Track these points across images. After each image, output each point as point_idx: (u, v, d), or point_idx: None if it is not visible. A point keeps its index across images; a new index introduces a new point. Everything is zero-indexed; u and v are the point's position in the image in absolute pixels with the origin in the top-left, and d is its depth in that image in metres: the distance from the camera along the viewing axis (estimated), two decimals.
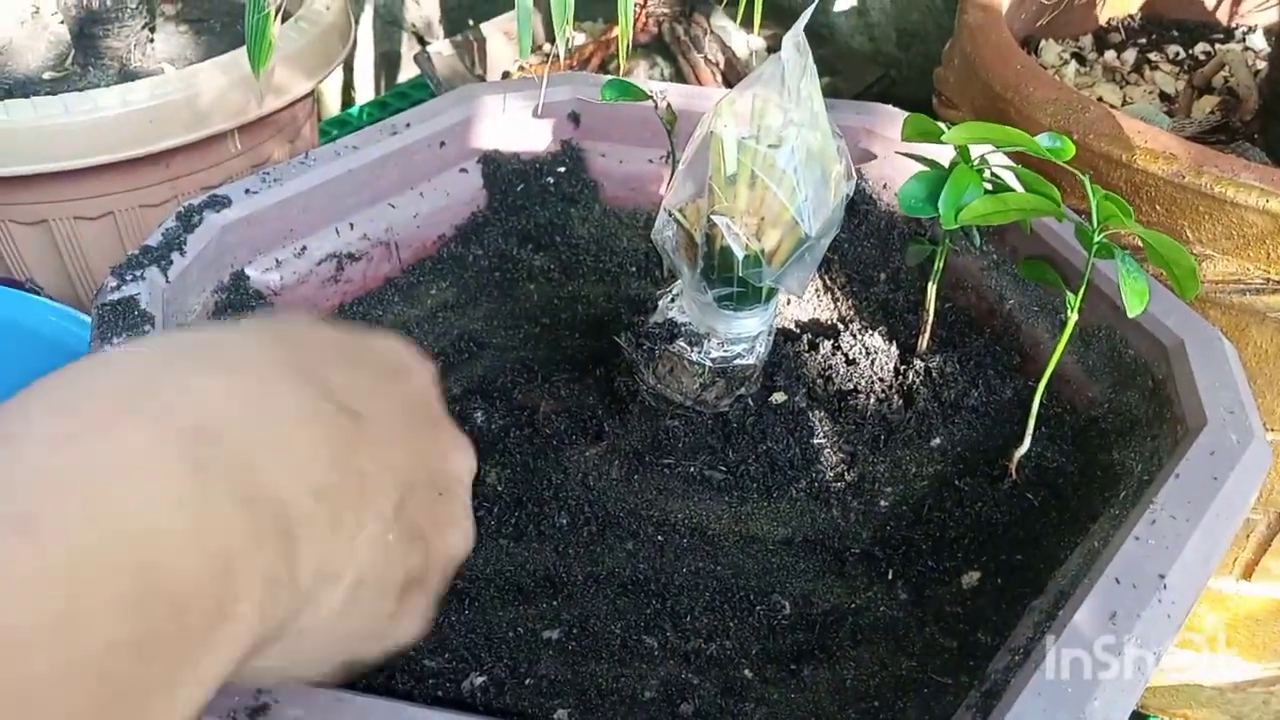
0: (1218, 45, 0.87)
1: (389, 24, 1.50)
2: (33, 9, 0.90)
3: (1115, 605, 0.36)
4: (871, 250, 0.62)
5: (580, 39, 1.14)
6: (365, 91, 1.54)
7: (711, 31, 1.11)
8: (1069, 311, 0.44)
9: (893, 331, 0.57)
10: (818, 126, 0.42)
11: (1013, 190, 0.44)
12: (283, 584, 0.24)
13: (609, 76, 0.54)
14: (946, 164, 0.45)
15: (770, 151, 0.42)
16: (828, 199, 0.44)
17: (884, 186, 0.62)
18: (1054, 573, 0.42)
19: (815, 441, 0.51)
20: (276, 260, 0.56)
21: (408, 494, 0.29)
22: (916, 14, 1.11)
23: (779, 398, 0.52)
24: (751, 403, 0.51)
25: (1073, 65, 0.86)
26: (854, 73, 1.10)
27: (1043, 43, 0.88)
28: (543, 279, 0.63)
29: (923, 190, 0.44)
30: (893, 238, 0.61)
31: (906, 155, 0.50)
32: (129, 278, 0.48)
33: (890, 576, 0.47)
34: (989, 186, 0.44)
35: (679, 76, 1.09)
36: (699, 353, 0.49)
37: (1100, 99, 0.79)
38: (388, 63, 1.53)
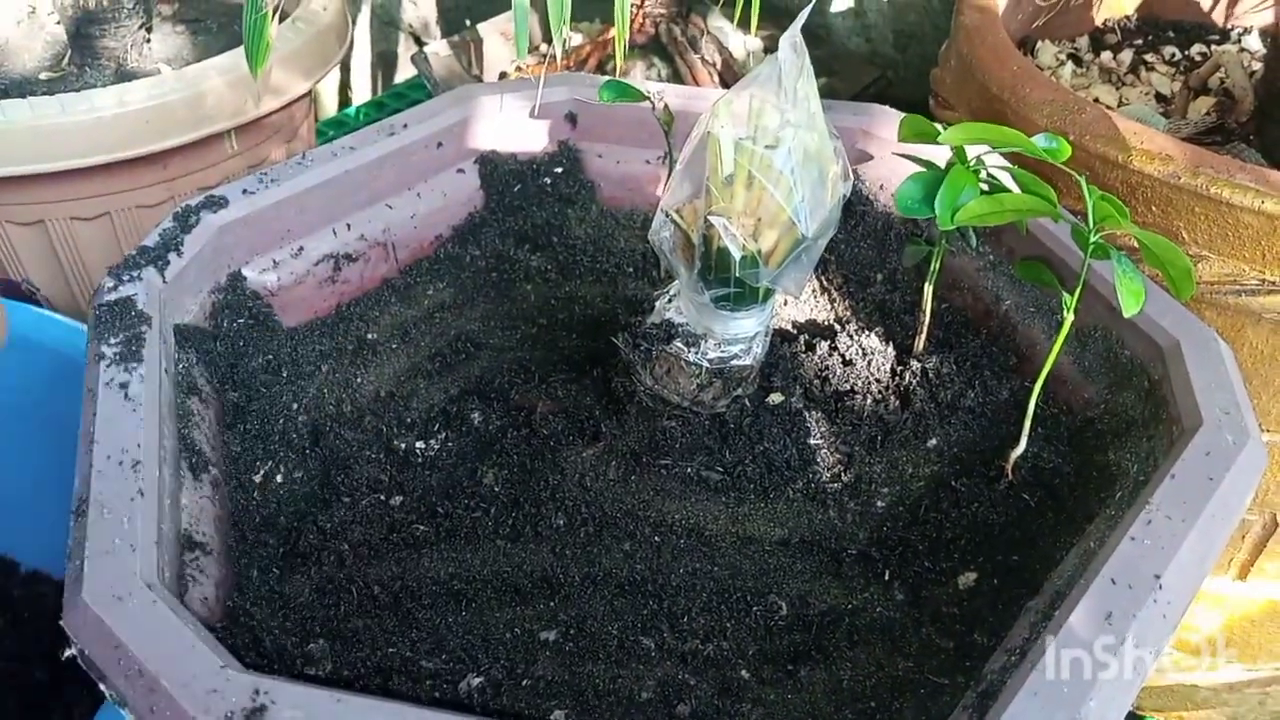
0: (1214, 46, 0.87)
1: (386, 24, 1.50)
2: (29, 9, 0.90)
3: (1111, 606, 0.36)
4: (868, 251, 0.62)
5: (577, 40, 1.15)
6: (362, 92, 1.54)
7: (708, 32, 1.11)
8: (1065, 312, 0.44)
9: (889, 332, 0.57)
10: (814, 127, 0.42)
11: (1009, 191, 0.44)
12: None
13: (606, 77, 0.55)
14: (943, 165, 0.45)
15: (767, 152, 0.42)
16: (824, 200, 0.44)
17: (881, 187, 0.62)
18: (1050, 573, 0.42)
19: (812, 442, 0.51)
20: (274, 261, 0.56)
21: None
22: (913, 15, 1.11)
23: (776, 399, 0.52)
24: (748, 403, 0.51)
25: (1069, 66, 0.86)
26: (851, 74, 1.10)
27: (1039, 44, 0.88)
28: (540, 279, 0.63)
29: (919, 191, 0.44)
30: (889, 238, 0.62)
31: (903, 156, 0.50)
32: (126, 278, 0.48)
33: (887, 577, 0.47)
34: (985, 187, 0.44)
35: (676, 77, 1.09)
36: (696, 353, 0.49)
37: (1096, 100, 0.80)
38: (385, 63, 1.53)
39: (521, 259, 0.63)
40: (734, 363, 0.50)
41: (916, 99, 0.81)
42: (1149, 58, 0.87)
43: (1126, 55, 0.87)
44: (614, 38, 0.69)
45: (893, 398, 0.54)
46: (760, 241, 0.44)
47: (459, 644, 0.43)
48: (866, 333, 0.57)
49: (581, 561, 0.47)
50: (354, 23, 1.16)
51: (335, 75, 1.50)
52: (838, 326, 0.58)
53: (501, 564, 0.47)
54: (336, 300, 0.59)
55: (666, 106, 0.53)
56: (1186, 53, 0.87)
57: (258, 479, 0.49)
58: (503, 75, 1.14)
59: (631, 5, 1.03)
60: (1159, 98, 0.82)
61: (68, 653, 0.35)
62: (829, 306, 0.61)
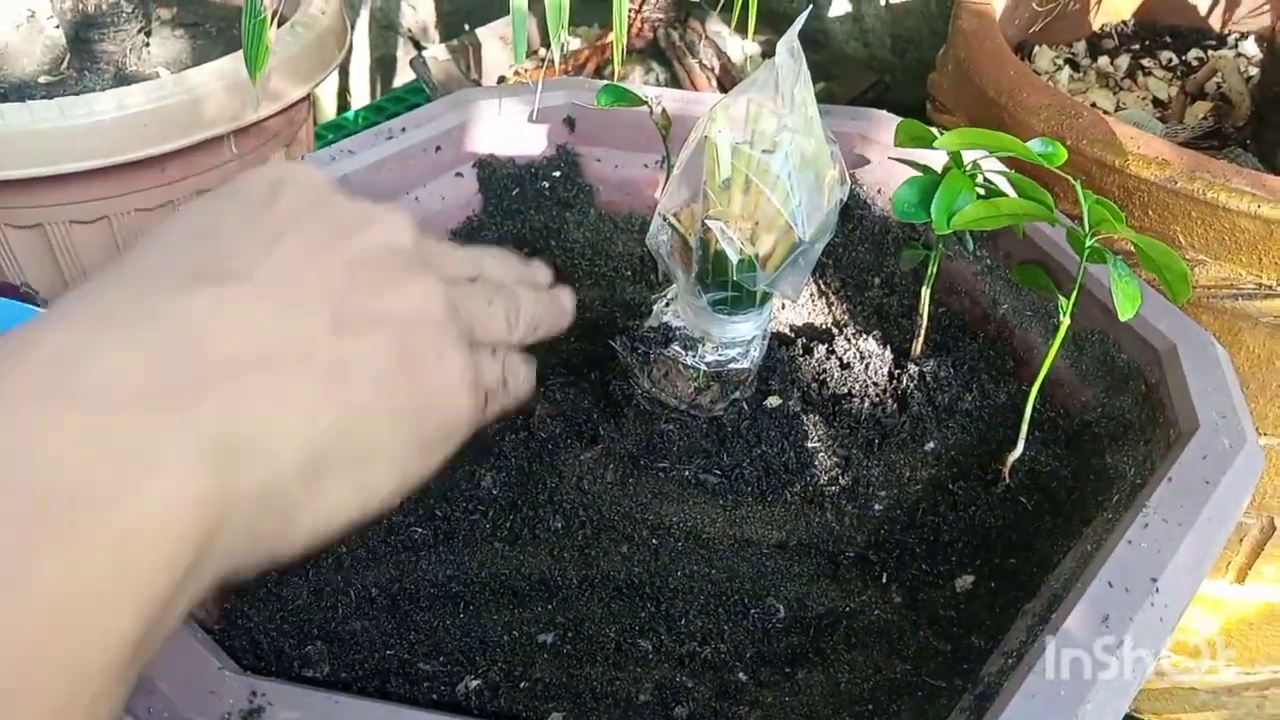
0: (1210, 51, 0.88)
1: (385, 28, 1.50)
2: (28, 13, 0.90)
3: (1108, 609, 0.36)
4: (866, 255, 0.62)
5: (575, 44, 1.15)
6: (361, 96, 1.55)
7: (706, 37, 1.11)
8: (1062, 316, 0.45)
9: (887, 336, 0.57)
10: (812, 132, 0.42)
11: (1005, 195, 0.44)
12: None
13: (604, 81, 0.55)
14: (940, 169, 0.45)
15: (764, 157, 0.42)
16: (822, 204, 0.44)
17: (878, 191, 0.63)
18: (1047, 576, 0.42)
19: (810, 445, 0.51)
20: None
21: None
22: (911, 20, 1.12)
23: (774, 402, 0.52)
24: (746, 407, 0.52)
25: (1066, 71, 0.86)
26: (849, 78, 1.10)
27: (1036, 48, 0.89)
28: None
29: (916, 195, 0.45)
30: (887, 242, 0.62)
31: (900, 161, 0.50)
32: None
33: (884, 580, 0.47)
34: (982, 192, 0.45)
35: (674, 82, 1.09)
36: (694, 357, 0.49)
37: (1093, 105, 0.80)
38: (383, 67, 1.53)
39: None
40: (732, 366, 0.50)
41: (914, 104, 0.81)
42: (1146, 63, 0.87)
43: (1123, 60, 0.87)
44: (612, 42, 0.69)
45: (890, 401, 0.54)
46: (757, 245, 0.44)
47: (456, 646, 0.43)
48: (864, 336, 0.57)
49: (579, 564, 0.47)
50: (353, 27, 1.16)
51: (334, 79, 1.50)
52: (835, 330, 0.58)
53: (499, 566, 0.47)
54: None
55: (664, 111, 0.53)
56: (1183, 58, 0.88)
57: None
58: (501, 79, 1.14)
59: (629, 10, 1.03)
60: (1156, 103, 0.82)
61: None
62: (826, 310, 0.61)
